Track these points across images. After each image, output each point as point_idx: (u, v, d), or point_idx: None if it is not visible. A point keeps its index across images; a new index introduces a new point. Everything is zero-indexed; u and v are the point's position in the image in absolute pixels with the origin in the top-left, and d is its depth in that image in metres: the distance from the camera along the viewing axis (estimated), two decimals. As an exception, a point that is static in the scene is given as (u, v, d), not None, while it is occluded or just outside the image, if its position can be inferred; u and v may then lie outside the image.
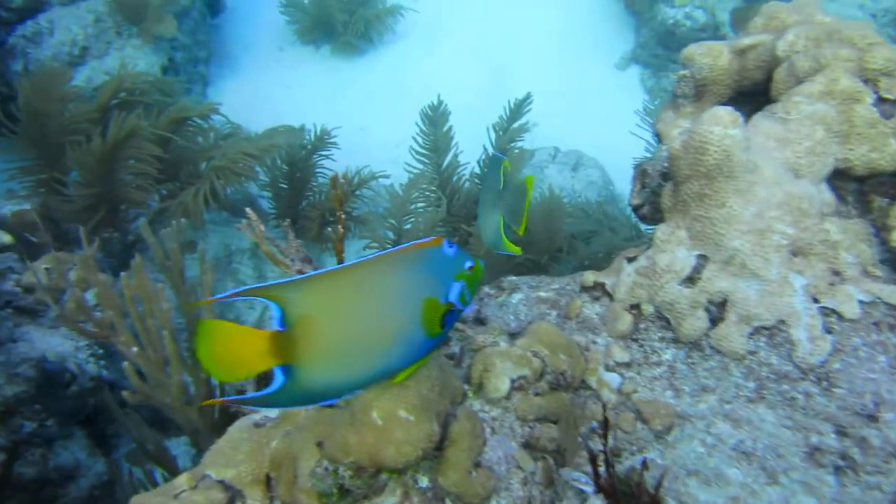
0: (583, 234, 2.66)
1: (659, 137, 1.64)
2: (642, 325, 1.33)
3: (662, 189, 1.55)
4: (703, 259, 1.29)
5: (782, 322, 1.22)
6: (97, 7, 3.26)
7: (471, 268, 1.05)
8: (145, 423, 2.19)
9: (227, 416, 1.69)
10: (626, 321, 1.33)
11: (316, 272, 1.00)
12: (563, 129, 3.65)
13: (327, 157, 3.04)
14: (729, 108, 1.25)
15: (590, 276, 1.41)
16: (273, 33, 4.24)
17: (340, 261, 1.44)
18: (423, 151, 2.87)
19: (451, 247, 1.04)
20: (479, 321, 1.63)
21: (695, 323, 1.27)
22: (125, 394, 1.51)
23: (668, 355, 1.30)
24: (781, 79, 1.36)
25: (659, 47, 3.77)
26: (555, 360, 1.24)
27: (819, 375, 1.18)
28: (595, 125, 3.70)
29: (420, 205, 2.67)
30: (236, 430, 1.34)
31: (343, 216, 1.42)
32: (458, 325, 1.45)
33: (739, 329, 1.24)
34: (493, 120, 3.26)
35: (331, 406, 1.19)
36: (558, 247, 2.61)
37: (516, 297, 1.60)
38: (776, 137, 1.31)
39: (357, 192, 3.11)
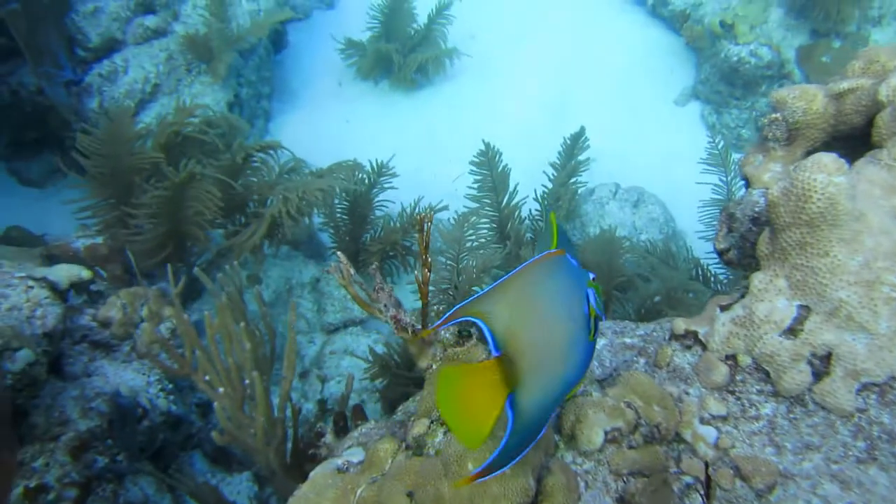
0: (644, 271, 2.61)
1: (747, 181, 1.60)
2: (739, 377, 1.28)
3: (753, 234, 1.51)
4: (804, 310, 1.23)
5: (894, 379, 1.16)
6: (169, 45, 3.37)
7: (594, 279, 1.05)
8: (209, 458, 2.20)
9: (301, 458, 1.68)
10: (721, 372, 1.28)
11: (493, 285, 0.98)
12: (622, 166, 3.61)
13: (389, 188, 3.06)
14: (833, 155, 1.21)
15: (681, 324, 1.37)
16: (333, 69, 4.33)
17: (425, 304, 1.43)
18: (481, 193, 2.89)
19: (572, 258, 1.04)
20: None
21: (797, 377, 1.22)
22: (214, 434, 1.51)
23: (767, 409, 1.25)
24: (885, 124, 1.31)
25: (721, 83, 3.72)
26: (649, 412, 1.19)
27: (938, 438, 1.11)
28: (655, 161, 3.66)
29: (474, 242, 2.65)
30: (320, 475, 1.32)
31: (429, 260, 1.41)
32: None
33: (846, 384, 1.18)
34: (551, 156, 3.27)
35: (420, 455, 1.17)
36: (616, 285, 2.57)
37: (599, 343, 1.56)
38: (881, 185, 1.26)
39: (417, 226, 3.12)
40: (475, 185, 2.97)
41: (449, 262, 2.50)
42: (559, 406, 1.02)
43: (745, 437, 1.24)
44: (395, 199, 3.17)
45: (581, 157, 3.14)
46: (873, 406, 1.17)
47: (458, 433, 0.94)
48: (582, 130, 3.19)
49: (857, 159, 1.35)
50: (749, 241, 1.54)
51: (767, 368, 1.25)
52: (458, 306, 0.97)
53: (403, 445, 1.25)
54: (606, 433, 1.16)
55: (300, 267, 3.22)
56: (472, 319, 0.95)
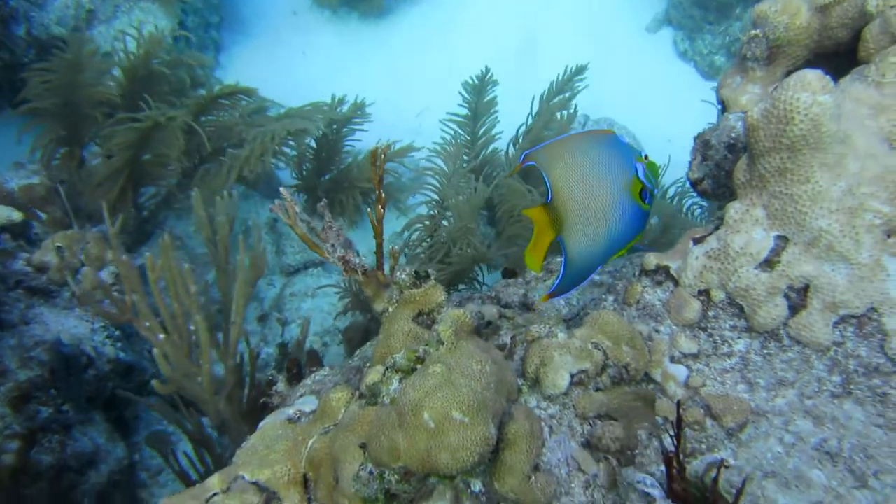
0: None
1: (724, 105, 1.50)
2: (711, 313, 1.21)
3: (729, 162, 1.42)
4: (782, 240, 1.16)
5: (874, 310, 1.10)
6: (104, -34, 3.10)
7: (645, 156, 1.20)
8: (168, 404, 2.11)
9: (256, 407, 1.60)
10: (693, 308, 1.21)
11: (546, 142, 1.16)
12: (591, 97, 3.47)
13: (358, 129, 2.91)
14: (818, 72, 1.11)
15: (651, 259, 1.29)
16: (286, -4, 4.06)
17: (380, 243, 1.32)
18: (459, 119, 2.74)
19: (622, 139, 1.20)
20: (527, 307, 1.52)
21: (772, 311, 1.15)
22: (154, 383, 1.41)
23: (740, 346, 1.19)
24: (873, 37, 1.21)
25: (694, 7, 3.56)
26: (617, 353, 1.12)
27: (917, 371, 1.06)
28: (625, 91, 3.53)
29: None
30: (270, 426, 1.24)
31: (383, 195, 1.30)
32: (507, 311, 1.34)
33: (824, 317, 1.12)
34: (520, 88, 3.10)
35: (374, 404, 1.09)
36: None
37: (564, 278, 1.48)
38: (869, 104, 1.17)
39: (388, 165, 2.99)
40: (455, 118, 2.80)
41: (433, 191, 2.35)
42: (607, 261, 1.20)
43: (716, 375, 1.18)
44: (358, 136, 3.02)
45: (570, 94, 2.93)
46: (850, 339, 1.11)
47: (529, 259, 1.16)
48: (583, 68, 2.95)
49: (842, 78, 1.26)
50: (724, 170, 1.45)
51: (742, 303, 1.18)
52: (526, 152, 1.15)
53: (357, 394, 1.16)
54: (572, 376, 1.09)
55: (257, 207, 3.08)
56: (533, 164, 1.13)
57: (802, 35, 1.31)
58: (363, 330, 2.29)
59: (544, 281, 1.54)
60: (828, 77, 1.12)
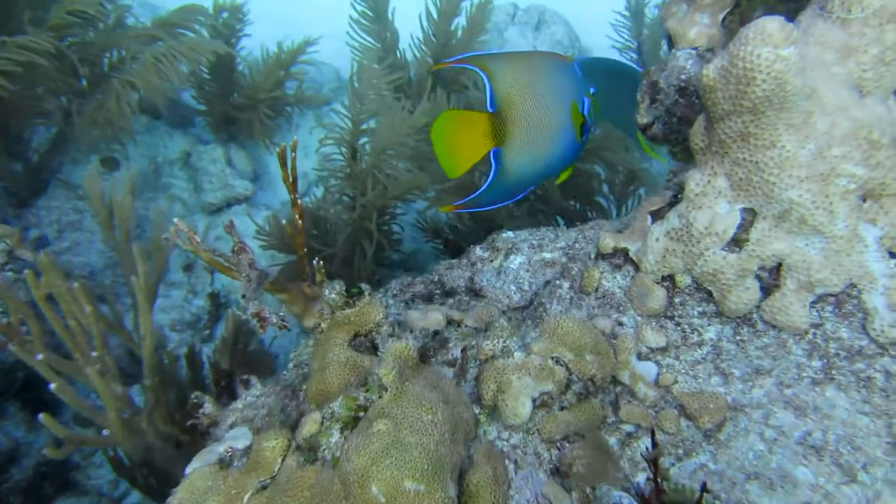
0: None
1: (670, 38, 1.34)
2: (678, 300, 1.10)
3: (681, 107, 1.29)
4: (749, 213, 1.03)
5: (853, 286, 1.00)
6: None
7: (594, 94, 1.21)
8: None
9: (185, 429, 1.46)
10: (658, 297, 1.10)
11: (506, 51, 1.02)
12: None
13: (244, 35, 2.64)
14: (779, 20, 0.95)
15: (608, 241, 1.16)
16: None
17: (302, 255, 1.16)
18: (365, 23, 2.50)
19: (578, 68, 1.20)
20: (474, 292, 1.38)
21: (743, 294, 1.04)
22: (47, 451, 1.24)
23: (711, 333, 1.08)
24: (838, -35, 1.05)
25: None
26: (581, 365, 1.01)
27: (902, 350, 0.98)
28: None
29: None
30: (198, 475, 1.10)
31: (299, 202, 1.12)
32: (454, 313, 1.21)
33: (800, 298, 1.02)
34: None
35: (313, 461, 0.96)
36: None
37: (516, 260, 1.35)
38: (834, 47, 1.02)
39: (293, 68, 2.74)
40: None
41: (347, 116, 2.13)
42: (535, 186, 1.19)
43: (688, 368, 1.08)
44: (260, 40, 2.75)
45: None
46: (829, 319, 1.01)
47: (442, 162, 1.10)
48: None
49: (802, 13, 1.10)
50: (676, 116, 1.31)
51: (710, 288, 1.06)
52: (467, 55, 1.10)
53: (294, 444, 1.03)
54: (534, 400, 0.98)
55: (165, 140, 2.78)
56: (475, 69, 1.08)
57: (756, -36, 1.14)
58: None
59: (491, 262, 1.40)
60: (790, 25, 0.96)
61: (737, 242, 1.04)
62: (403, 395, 0.91)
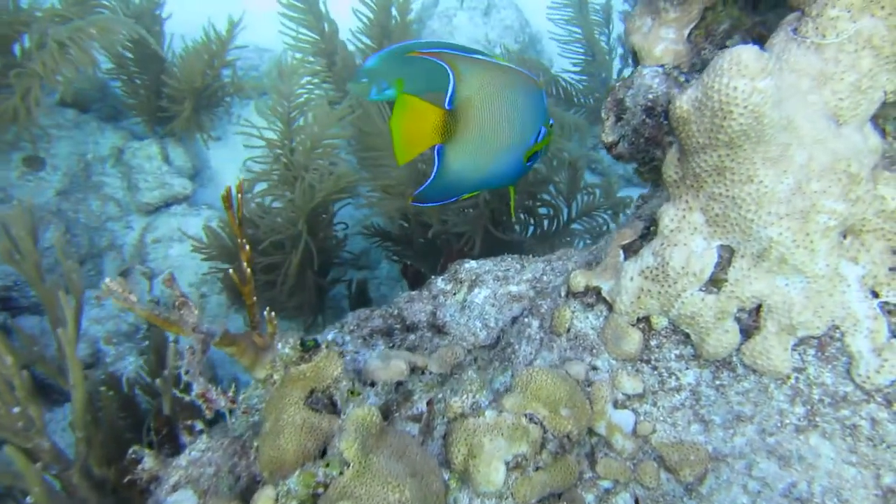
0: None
1: (635, 55, 1.28)
2: (654, 342, 1.04)
3: (648, 127, 1.25)
4: (727, 251, 0.98)
5: (835, 328, 0.95)
6: None
7: (552, 124, 1.23)
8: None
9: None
10: (634, 340, 1.04)
11: (482, 58, 1.13)
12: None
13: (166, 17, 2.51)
14: (754, 50, 0.89)
15: (579, 279, 1.09)
16: None
17: (251, 304, 1.06)
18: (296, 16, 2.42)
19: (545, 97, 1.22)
20: (437, 328, 1.31)
21: (723, 338, 0.98)
22: None
23: (689, 377, 1.03)
24: (810, -16, 0.99)
25: None
26: (556, 422, 0.94)
27: (888, 396, 0.93)
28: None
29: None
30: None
31: (247, 248, 1.03)
32: (417, 359, 1.13)
33: (781, 341, 0.97)
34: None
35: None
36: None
37: (481, 294, 1.28)
38: (810, 73, 0.97)
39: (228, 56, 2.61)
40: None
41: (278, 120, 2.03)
42: (469, 195, 1.20)
43: (666, 415, 1.02)
44: (191, 22, 2.62)
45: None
46: (812, 364, 0.96)
47: (395, 146, 1.12)
48: None
49: (773, 35, 1.05)
50: (644, 136, 1.25)
51: (688, 331, 1.01)
52: (445, 50, 1.11)
53: (247, 521, 0.94)
54: (508, 463, 0.91)
55: (95, 136, 2.60)
56: (444, 65, 1.08)
57: (725, -19, 1.09)
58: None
59: (454, 295, 1.33)
60: (765, 55, 0.90)
61: (715, 283, 0.98)
62: (367, 470, 0.83)
